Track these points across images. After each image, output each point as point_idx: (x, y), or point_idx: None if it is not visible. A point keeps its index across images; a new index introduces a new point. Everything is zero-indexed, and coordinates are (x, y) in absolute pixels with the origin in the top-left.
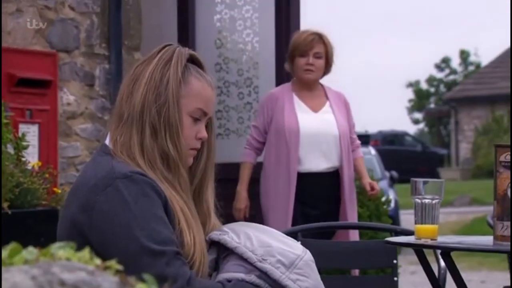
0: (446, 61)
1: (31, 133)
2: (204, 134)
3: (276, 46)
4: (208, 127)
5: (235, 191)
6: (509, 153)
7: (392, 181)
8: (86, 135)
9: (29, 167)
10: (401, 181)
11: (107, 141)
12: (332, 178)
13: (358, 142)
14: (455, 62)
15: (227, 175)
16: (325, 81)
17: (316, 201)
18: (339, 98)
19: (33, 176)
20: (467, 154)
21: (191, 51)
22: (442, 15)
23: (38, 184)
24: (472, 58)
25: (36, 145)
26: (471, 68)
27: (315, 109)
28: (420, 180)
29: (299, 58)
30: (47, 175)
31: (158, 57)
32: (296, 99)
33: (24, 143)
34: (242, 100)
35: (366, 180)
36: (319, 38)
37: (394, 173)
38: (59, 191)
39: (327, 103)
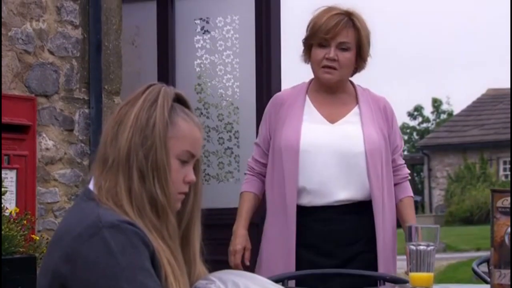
0: (418, 109)
1: (8, 179)
2: (192, 177)
3: (256, 91)
4: (196, 168)
5: (216, 237)
6: (507, 198)
7: None
8: (65, 180)
9: (7, 213)
10: None
11: (91, 186)
12: (357, 214)
13: (406, 171)
14: (428, 111)
15: (208, 221)
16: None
17: (331, 246)
18: (376, 103)
19: (10, 223)
20: (441, 201)
21: (176, 90)
22: (414, 64)
23: (15, 231)
24: (444, 107)
25: (13, 191)
26: (443, 116)
27: (333, 118)
28: (414, 226)
29: (317, 48)
30: (25, 222)
31: (143, 97)
32: (308, 104)
33: (2, 189)
34: (222, 145)
35: None
36: (348, 20)
37: None
38: (37, 238)
39: (354, 110)
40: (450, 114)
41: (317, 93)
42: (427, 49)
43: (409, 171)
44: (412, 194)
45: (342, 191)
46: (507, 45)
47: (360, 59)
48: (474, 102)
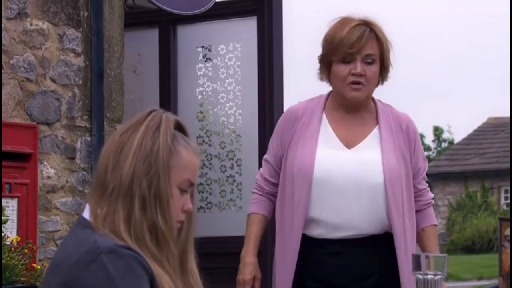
0: (419, 137)
1: (10, 207)
2: (190, 206)
3: (258, 118)
4: (191, 196)
5: (218, 266)
6: None
7: None
8: (66, 209)
9: (8, 242)
10: None
11: (85, 214)
12: (372, 247)
13: (430, 196)
14: (429, 139)
15: (210, 250)
16: None
17: (343, 281)
18: (398, 123)
19: (11, 252)
20: (442, 230)
21: (175, 117)
22: (415, 92)
23: (16, 260)
24: (445, 135)
25: (15, 220)
26: (444, 144)
27: (350, 142)
28: (421, 255)
29: (339, 65)
30: (26, 251)
31: (145, 124)
32: (324, 123)
33: (3, 218)
34: (224, 173)
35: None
36: (370, 31)
37: None
38: (39, 267)
39: (374, 133)
40: (451, 142)
41: (335, 111)
42: (428, 77)
43: (433, 195)
44: (435, 222)
45: (357, 225)
46: (507, 74)
47: (384, 70)
48: (475, 131)
